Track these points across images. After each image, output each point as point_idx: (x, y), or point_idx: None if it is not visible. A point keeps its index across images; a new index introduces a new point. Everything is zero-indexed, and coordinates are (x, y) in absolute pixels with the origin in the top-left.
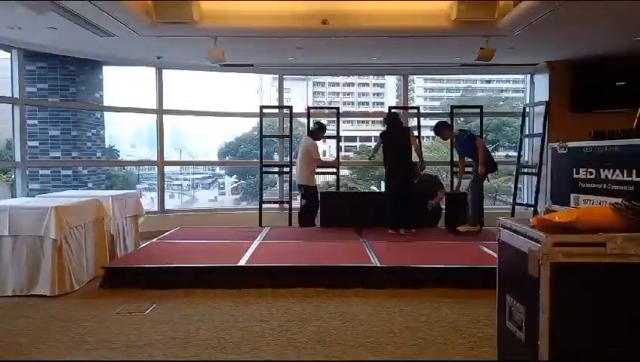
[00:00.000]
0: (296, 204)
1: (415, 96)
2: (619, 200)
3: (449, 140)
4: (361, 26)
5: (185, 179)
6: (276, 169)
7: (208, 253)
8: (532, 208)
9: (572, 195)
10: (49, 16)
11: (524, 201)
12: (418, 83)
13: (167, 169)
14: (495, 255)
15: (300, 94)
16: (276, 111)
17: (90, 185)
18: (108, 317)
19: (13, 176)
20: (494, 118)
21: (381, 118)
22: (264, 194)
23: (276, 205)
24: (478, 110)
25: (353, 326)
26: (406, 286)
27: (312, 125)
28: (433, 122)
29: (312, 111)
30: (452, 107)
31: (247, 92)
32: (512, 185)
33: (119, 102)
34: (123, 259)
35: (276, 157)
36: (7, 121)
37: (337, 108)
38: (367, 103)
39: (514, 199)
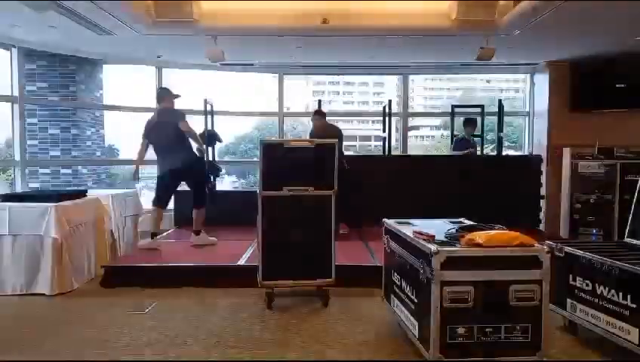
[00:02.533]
0: None
1: (415, 96)
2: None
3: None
4: (361, 25)
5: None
6: None
7: (208, 252)
8: None
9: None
10: (49, 15)
11: None
12: (418, 83)
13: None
14: None
15: (299, 94)
16: (276, 110)
17: (90, 183)
18: (108, 316)
19: (12, 175)
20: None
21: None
22: None
23: None
24: (479, 109)
25: (352, 325)
26: None
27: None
28: (434, 122)
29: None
30: (453, 106)
31: (248, 91)
32: None
33: (119, 101)
34: (123, 258)
35: None
36: (6, 120)
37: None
38: (367, 102)
39: None
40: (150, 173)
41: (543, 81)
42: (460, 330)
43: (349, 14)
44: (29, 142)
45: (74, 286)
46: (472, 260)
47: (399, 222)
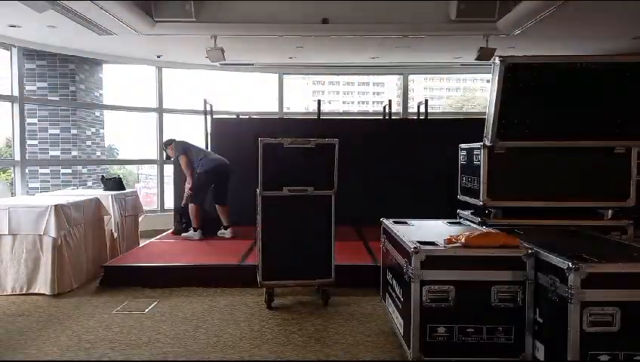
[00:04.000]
0: None
1: (415, 96)
2: None
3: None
4: (361, 25)
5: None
6: None
7: (208, 251)
8: None
9: None
10: (49, 14)
11: None
12: (418, 82)
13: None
14: None
15: (299, 94)
16: (276, 110)
17: (89, 183)
18: (108, 316)
19: (12, 175)
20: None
21: None
22: None
23: None
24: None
25: (352, 324)
26: None
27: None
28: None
29: None
30: None
31: (248, 91)
32: None
33: (119, 101)
34: (123, 258)
35: None
36: (6, 120)
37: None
38: (367, 102)
39: None
40: (148, 173)
41: None
42: (440, 330)
43: (349, 14)
44: (29, 142)
45: (74, 286)
46: (452, 260)
47: (396, 222)
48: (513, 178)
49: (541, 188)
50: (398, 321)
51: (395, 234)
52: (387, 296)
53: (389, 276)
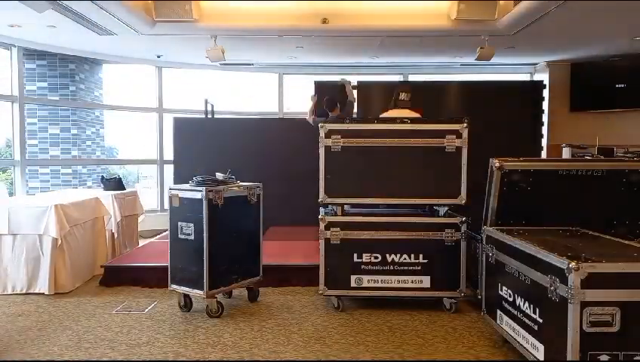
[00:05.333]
0: None
1: None
2: None
3: None
4: (361, 25)
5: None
6: None
7: None
8: None
9: None
10: (49, 14)
11: None
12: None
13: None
14: None
15: (298, 94)
16: (276, 110)
17: (90, 183)
18: (107, 316)
19: (12, 175)
20: None
21: None
22: None
23: None
24: None
25: (352, 324)
26: None
27: None
28: None
29: None
30: None
31: (248, 91)
32: None
33: (119, 101)
34: (123, 258)
35: None
36: (6, 120)
37: None
38: None
39: None
40: (148, 173)
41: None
42: (603, 358)
43: (349, 14)
44: (29, 142)
45: (74, 285)
46: (618, 277)
47: (502, 231)
48: (350, 176)
49: (378, 186)
50: (529, 344)
51: (523, 246)
52: (499, 312)
53: (506, 291)
